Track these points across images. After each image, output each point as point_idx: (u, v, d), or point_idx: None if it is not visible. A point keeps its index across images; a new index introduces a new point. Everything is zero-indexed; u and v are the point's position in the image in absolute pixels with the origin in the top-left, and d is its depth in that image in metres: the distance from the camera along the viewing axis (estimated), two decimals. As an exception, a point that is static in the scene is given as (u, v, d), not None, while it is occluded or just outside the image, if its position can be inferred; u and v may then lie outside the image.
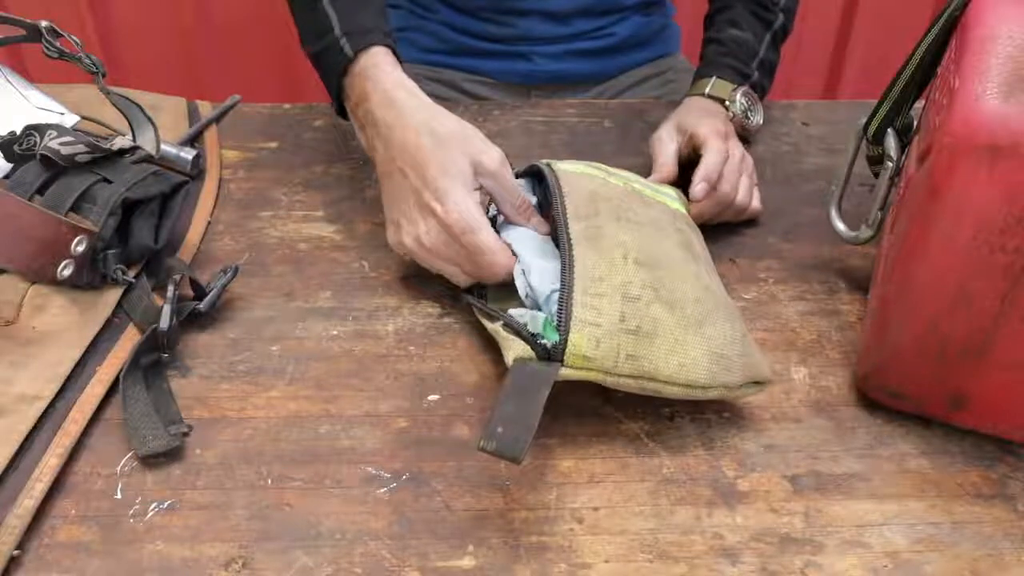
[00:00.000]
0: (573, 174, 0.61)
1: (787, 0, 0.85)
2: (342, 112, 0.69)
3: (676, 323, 0.50)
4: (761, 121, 0.82)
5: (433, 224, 0.58)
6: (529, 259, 0.57)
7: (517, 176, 0.64)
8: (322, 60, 0.67)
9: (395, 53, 0.65)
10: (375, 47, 0.64)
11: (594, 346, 0.49)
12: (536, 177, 0.65)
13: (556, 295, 0.52)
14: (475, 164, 0.58)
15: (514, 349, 0.51)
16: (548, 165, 0.62)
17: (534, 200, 0.64)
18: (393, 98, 0.62)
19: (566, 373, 0.49)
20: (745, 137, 0.81)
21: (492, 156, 0.59)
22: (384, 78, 0.63)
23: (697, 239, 0.61)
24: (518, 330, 0.51)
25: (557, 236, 0.56)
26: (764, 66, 0.82)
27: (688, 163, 0.72)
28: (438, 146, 0.58)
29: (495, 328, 0.54)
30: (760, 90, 0.82)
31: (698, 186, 0.68)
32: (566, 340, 0.49)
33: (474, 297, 0.59)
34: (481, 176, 0.59)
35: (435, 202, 0.57)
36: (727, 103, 0.78)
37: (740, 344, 0.52)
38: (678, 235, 0.58)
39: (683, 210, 0.64)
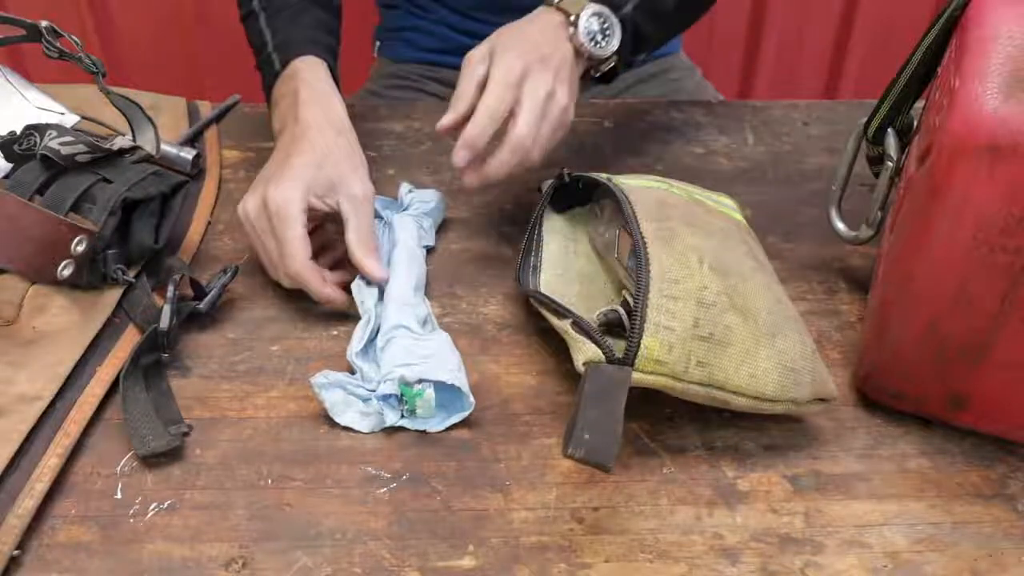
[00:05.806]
0: (636, 187, 0.60)
1: None
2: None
3: (749, 333, 0.50)
4: (611, 52, 0.67)
5: (258, 198, 0.59)
6: (394, 293, 0.58)
7: (576, 180, 0.64)
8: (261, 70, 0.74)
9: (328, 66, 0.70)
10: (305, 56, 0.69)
11: (667, 351, 0.48)
12: (588, 189, 0.65)
13: (395, 373, 0.52)
14: (341, 181, 0.60)
15: (584, 352, 0.50)
16: (609, 179, 0.61)
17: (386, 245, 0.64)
18: (319, 93, 0.66)
19: (637, 378, 0.48)
20: (592, 70, 0.69)
21: (366, 186, 0.61)
22: (314, 82, 0.67)
23: (760, 251, 0.59)
24: (588, 332, 0.50)
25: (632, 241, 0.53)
26: (645, 5, 0.69)
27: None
28: (320, 149, 0.61)
29: (564, 327, 0.52)
30: (632, 26, 0.69)
31: (457, 154, 0.61)
32: (639, 344, 0.48)
33: (540, 293, 0.57)
34: (343, 197, 0.60)
35: (273, 182, 0.59)
36: (572, 17, 0.65)
37: (811, 359, 0.51)
38: (744, 245, 0.57)
39: (743, 221, 0.63)
